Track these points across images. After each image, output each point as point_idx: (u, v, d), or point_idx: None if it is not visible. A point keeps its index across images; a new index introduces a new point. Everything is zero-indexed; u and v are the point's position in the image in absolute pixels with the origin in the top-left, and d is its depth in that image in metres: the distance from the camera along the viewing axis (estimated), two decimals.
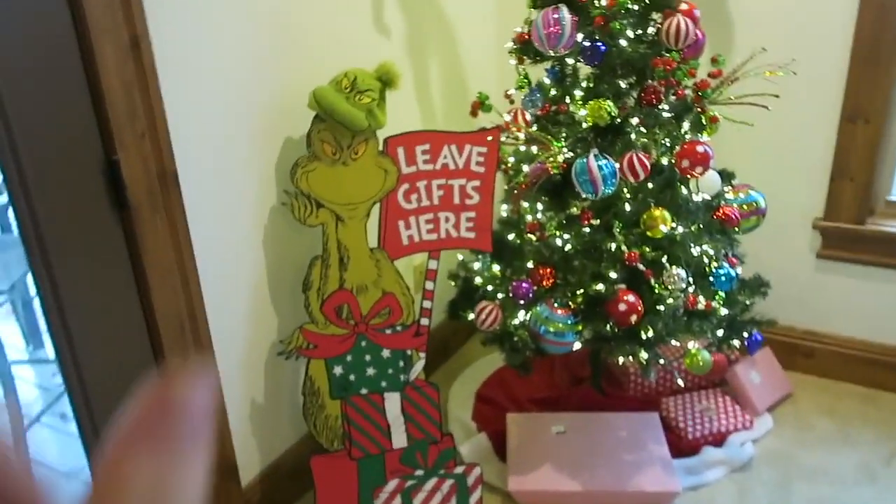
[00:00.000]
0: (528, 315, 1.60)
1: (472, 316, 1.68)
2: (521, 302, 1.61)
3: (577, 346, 1.58)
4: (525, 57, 1.63)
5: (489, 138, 1.55)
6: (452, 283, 1.85)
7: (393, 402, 1.58)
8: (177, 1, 1.28)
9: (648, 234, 1.51)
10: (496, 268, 1.72)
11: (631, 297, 1.49)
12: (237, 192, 1.48)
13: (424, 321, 1.58)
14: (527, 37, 1.58)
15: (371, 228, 1.55)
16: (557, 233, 1.59)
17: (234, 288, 1.52)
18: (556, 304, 1.55)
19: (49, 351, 2.61)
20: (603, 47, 1.50)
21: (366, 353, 1.54)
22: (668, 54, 1.51)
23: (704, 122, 1.55)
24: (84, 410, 1.32)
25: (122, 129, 1.20)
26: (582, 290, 1.56)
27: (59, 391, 2.44)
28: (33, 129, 1.10)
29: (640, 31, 1.53)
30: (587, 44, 1.50)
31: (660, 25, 1.51)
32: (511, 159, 1.68)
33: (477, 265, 1.78)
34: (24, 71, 1.08)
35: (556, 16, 1.46)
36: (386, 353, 1.55)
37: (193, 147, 1.35)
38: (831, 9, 1.81)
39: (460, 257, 1.87)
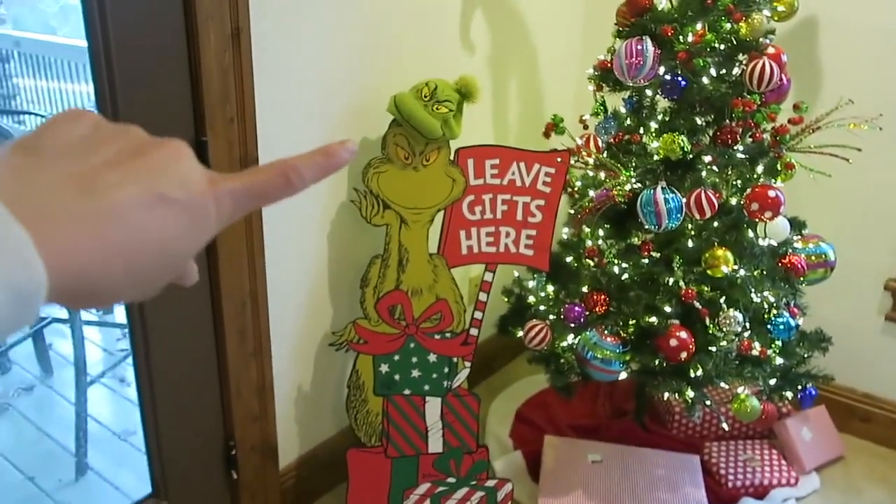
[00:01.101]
0: (577, 339, 1.60)
1: (521, 333, 1.70)
2: (572, 325, 1.62)
3: (623, 375, 1.57)
4: (604, 84, 1.64)
5: (559, 160, 1.57)
6: (505, 300, 1.86)
7: (433, 407, 1.60)
8: (280, 14, 1.36)
9: (709, 272, 1.49)
10: (550, 288, 1.73)
11: (683, 334, 1.48)
12: (312, 186, 1.54)
13: (473, 331, 1.60)
14: (608, 65, 1.60)
15: (433, 235, 1.59)
16: (616, 261, 1.60)
17: (296, 276, 1.58)
18: (606, 332, 1.55)
19: (117, 317, 2.75)
20: (683, 83, 1.50)
21: (413, 354, 1.58)
22: (749, 96, 1.51)
23: (779, 168, 1.53)
24: (145, 376, 1.40)
25: (213, 113, 1.28)
26: (634, 321, 1.56)
27: (123, 355, 2.57)
28: (134, 99, 1.19)
29: (723, 71, 1.53)
30: (668, 77, 1.51)
31: (745, 66, 1.51)
32: (578, 183, 1.69)
33: (532, 284, 1.79)
34: (135, 49, 1.17)
35: (639, 47, 1.48)
36: (432, 357, 1.58)
37: (276, 137, 1.42)
38: None
39: (516, 274, 1.89)
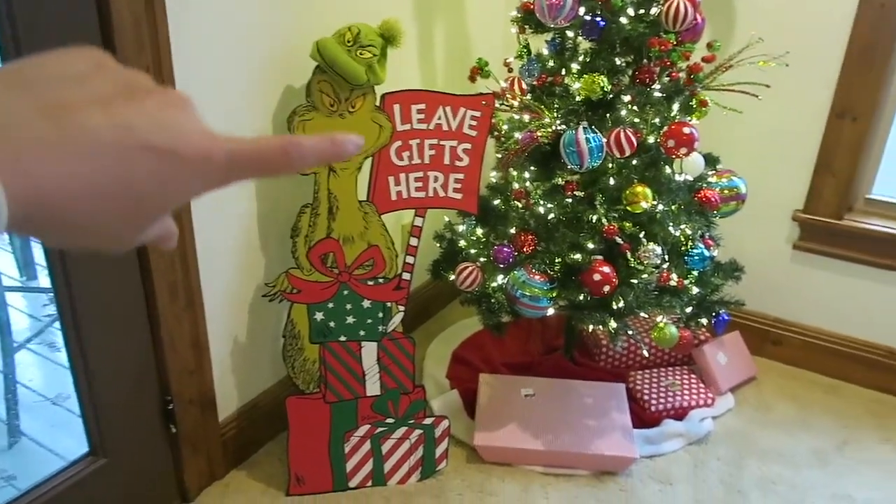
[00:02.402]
0: (507, 278, 1.65)
1: (453, 277, 1.74)
2: (502, 266, 1.67)
3: (551, 311, 1.63)
4: (527, 27, 1.66)
5: (484, 103, 1.58)
6: (437, 245, 1.90)
7: (369, 351, 1.63)
8: None
9: (629, 209, 1.56)
10: (480, 231, 1.77)
11: (606, 269, 1.54)
12: (235, 129, 1.51)
13: (406, 276, 1.63)
14: (531, 6, 1.61)
15: (361, 182, 1.59)
16: (542, 201, 1.64)
17: (226, 229, 1.56)
18: (534, 270, 1.60)
19: (42, 282, 2.66)
20: (602, 23, 1.53)
21: (347, 301, 1.60)
22: (666, 35, 1.55)
23: (694, 105, 1.60)
24: (74, 339, 1.37)
25: (128, 61, 1.23)
26: (560, 259, 1.62)
27: (50, 319, 2.49)
28: (40, 51, 1.14)
29: (641, 11, 1.56)
30: (588, 18, 1.53)
31: (661, 6, 1.54)
32: (504, 126, 1.72)
33: (462, 228, 1.83)
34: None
35: None
36: (366, 303, 1.61)
37: (195, 86, 1.38)
38: (831, 7, 1.84)
39: (447, 219, 1.92)
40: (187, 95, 0.33)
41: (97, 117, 0.28)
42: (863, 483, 1.78)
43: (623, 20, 1.54)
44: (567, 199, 1.61)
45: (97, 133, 0.28)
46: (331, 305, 1.59)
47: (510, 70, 1.75)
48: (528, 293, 1.58)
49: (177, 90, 0.32)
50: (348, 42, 1.48)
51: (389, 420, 1.68)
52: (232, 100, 1.48)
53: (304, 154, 0.34)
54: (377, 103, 1.55)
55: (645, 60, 1.58)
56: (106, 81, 0.30)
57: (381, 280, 1.61)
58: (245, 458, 1.78)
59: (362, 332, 1.62)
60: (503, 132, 1.71)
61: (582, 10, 1.53)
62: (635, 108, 1.59)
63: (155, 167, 0.29)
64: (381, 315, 1.62)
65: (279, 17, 1.53)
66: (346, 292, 1.59)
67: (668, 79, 1.59)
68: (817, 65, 1.89)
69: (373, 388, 1.65)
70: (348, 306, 1.60)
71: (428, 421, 1.70)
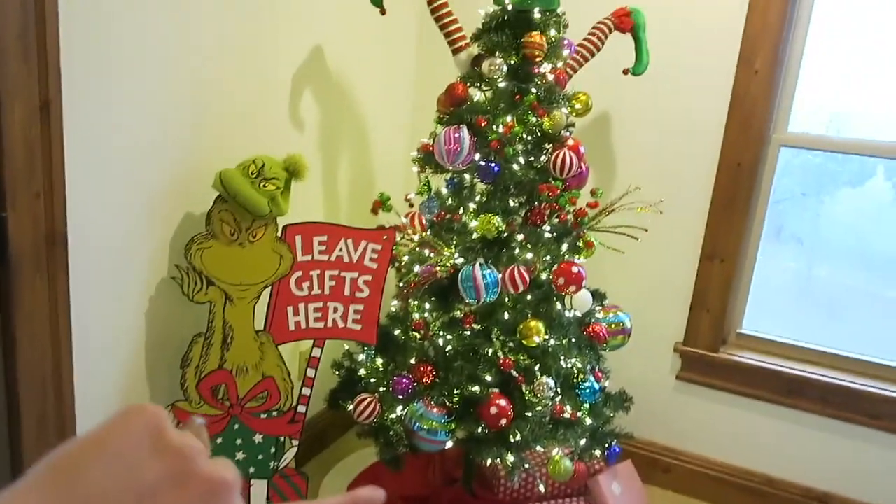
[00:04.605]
0: (405, 411, 1.64)
1: (351, 407, 1.70)
2: (401, 397, 1.66)
3: (449, 444, 1.62)
4: (427, 167, 1.75)
5: (385, 238, 1.63)
6: (336, 373, 1.87)
7: (259, 490, 1.55)
8: (95, 67, 1.32)
9: (524, 342, 1.61)
10: (380, 361, 1.77)
11: (502, 402, 1.57)
12: (129, 260, 1.47)
13: (301, 408, 1.59)
14: (430, 148, 1.71)
15: (259, 311, 1.57)
16: (441, 333, 1.67)
17: (111, 356, 1.48)
18: (432, 402, 1.60)
19: None
20: (496, 168, 1.64)
21: (237, 436, 1.52)
22: (554, 182, 1.68)
23: (581, 246, 1.71)
24: None
25: (15, 188, 1.20)
26: (459, 391, 1.63)
27: None
28: None
29: (532, 158, 1.69)
30: (483, 163, 1.65)
31: (550, 155, 1.68)
32: (405, 258, 1.77)
33: (361, 357, 1.82)
34: None
35: (456, 135, 1.61)
36: (258, 437, 1.54)
37: (91, 211, 1.35)
38: (696, 164, 2.06)
39: (346, 347, 1.90)
40: (231, 475, 0.34)
41: None
42: None
43: (515, 166, 1.66)
44: (465, 332, 1.65)
45: None
46: (220, 441, 1.51)
47: (411, 205, 1.83)
48: (426, 426, 1.57)
49: (222, 472, 0.33)
50: (252, 174, 1.51)
51: None
52: (128, 226, 1.46)
53: None
54: (279, 234, 1.56)
55: (536, 203, 1.70)
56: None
57: (274, 413, 1.56)
58: None
59: (252, 470, 1.54)
60: (404, 263, 1.76)
61: (478, 156, 1.65)
62: (528, 245, 1.69)
63: None
64: (273, 450, 1.56)
65: (184, 147, 1.55)
66: (236, 426, 1.52)
67: (557, 220, 1.71)
68: (688, 212, 2.09)
69: None
70: (238, 441, 1.53)
71: None
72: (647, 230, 1.78)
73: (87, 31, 1.29)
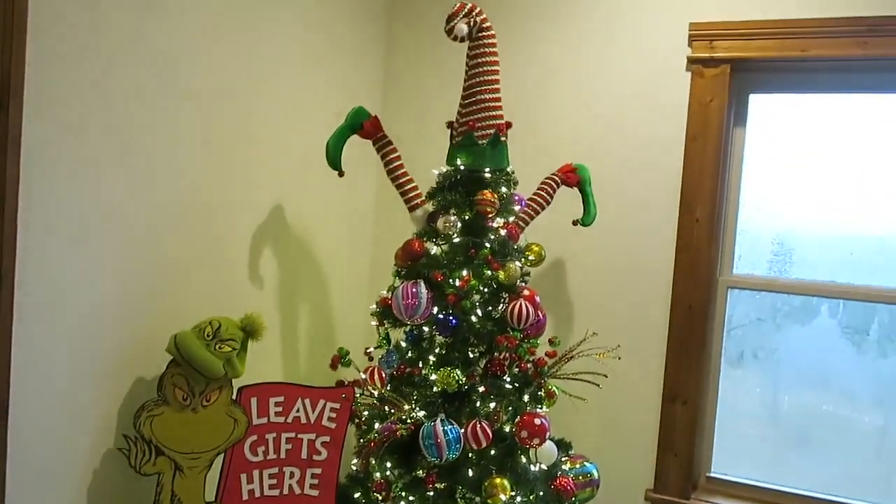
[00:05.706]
0: None
1: None
2: None
3: None
4: (386, 321, 1.75)
5: (343, 396, 1.60)
6: None
7: None
8: (52, 233, 1.33)
9: (489, 502, 1.55)
10: None
11: None
12: (72, 431, 1.41)
13: None
14: (389, 302, 1.73)
15: (211, 479, 1.50)
16: (403, 494, 1.60)
17: None
18: None
19: None
20: (454, 322, 1.66)
21: None
22: (512, 332, 1.69)
23: (543, 396, 1.70)
24: None
25: None
26: None
27: None
28: None
29: (489, 308, 1.72)
30: (441, 317, 1.66)
31: (506, 306, 1.71)
32: (366, 413, 1.72)
33: None
34: None
35: (414, 289, 1.63)
36: None
37: (36, 382, 1.31)
38: (648, 310, 2.10)
39: None
40: None
41: None
42: None
43: (473, 318, 1.68)
44: (428, 493, 1.59)
45: None
46: None
47: (371, 359, 1.81)
48: None
49: None
50: (208, 336, 1.49)
51: None
52: (74, 395, 1.40)
53: None
54: (233, 396, 1.52)
55: (496, 353, 1.70)
56: None
57: None
58: None
59: None
60: (364, 419, 1.71)
61: (435, 310, 1.66)
62: (490, 396, 1.67)
63: None
64: None
65: (137, 310, 1.53)
66: None
67: (517, 370, 1.71)
68: (646, 356, 2.10)
69: None
70: None
71: None
72: (606, 376, 1.79)
73: (44, 195, 1.31)
